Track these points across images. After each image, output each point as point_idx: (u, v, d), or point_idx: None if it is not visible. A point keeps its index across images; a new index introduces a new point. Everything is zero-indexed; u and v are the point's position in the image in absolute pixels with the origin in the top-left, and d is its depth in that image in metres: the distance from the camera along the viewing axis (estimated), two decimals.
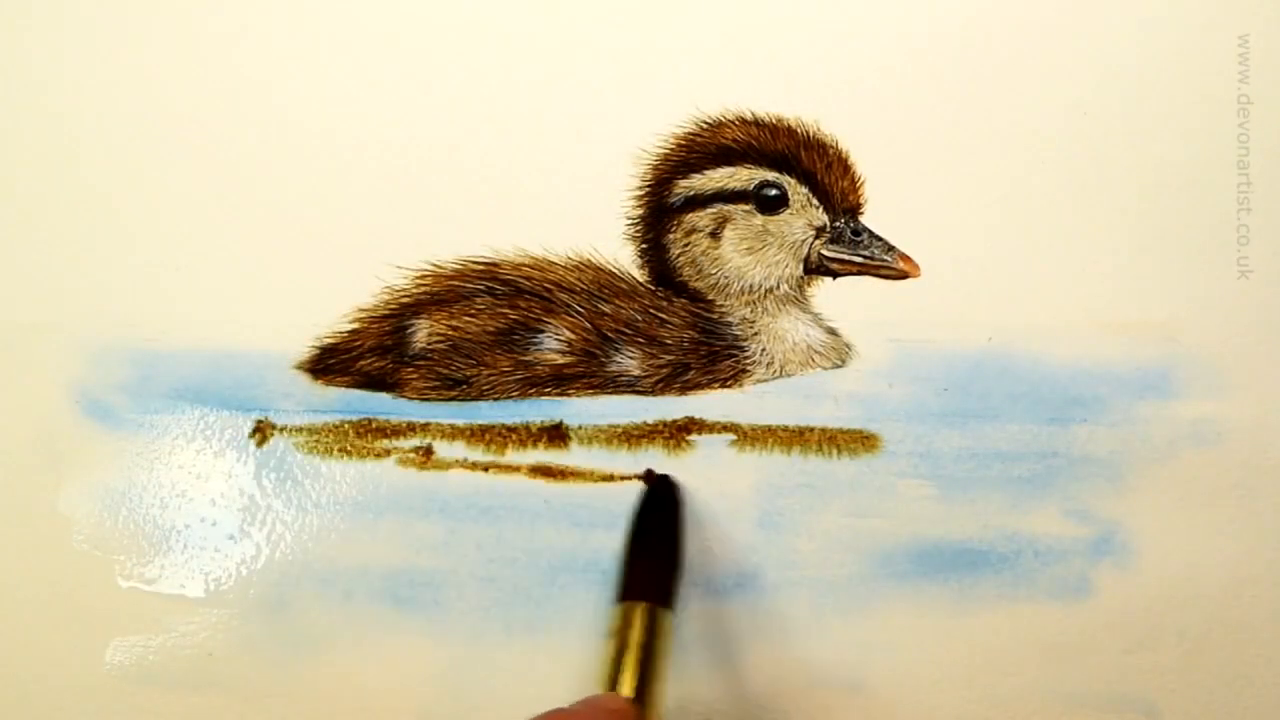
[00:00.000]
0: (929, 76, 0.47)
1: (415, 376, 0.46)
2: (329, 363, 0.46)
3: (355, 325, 0.46)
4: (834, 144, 0.47)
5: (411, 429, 0.46)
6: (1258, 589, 0.45)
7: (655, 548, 0.43)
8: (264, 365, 0.46)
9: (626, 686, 0.39)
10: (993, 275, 0.46)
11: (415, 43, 0.48)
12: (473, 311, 0.47)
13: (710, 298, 0.47)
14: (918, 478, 0.45)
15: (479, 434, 0.46)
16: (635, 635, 0.40)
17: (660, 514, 0.44)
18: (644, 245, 0.47)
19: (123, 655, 0.45)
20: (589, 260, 0.47)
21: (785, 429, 0.46)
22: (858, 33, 0.47)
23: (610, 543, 0.45)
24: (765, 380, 0.46)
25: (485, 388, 0.46)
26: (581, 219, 0.47)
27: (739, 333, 0.47)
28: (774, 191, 0.47)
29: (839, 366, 0.46)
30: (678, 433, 0.46)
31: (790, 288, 0.47)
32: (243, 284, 0.47)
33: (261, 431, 0.46)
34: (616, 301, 0.47)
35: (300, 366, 0.46)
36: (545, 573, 0.45)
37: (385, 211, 0.47)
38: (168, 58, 0.48)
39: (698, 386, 0.46)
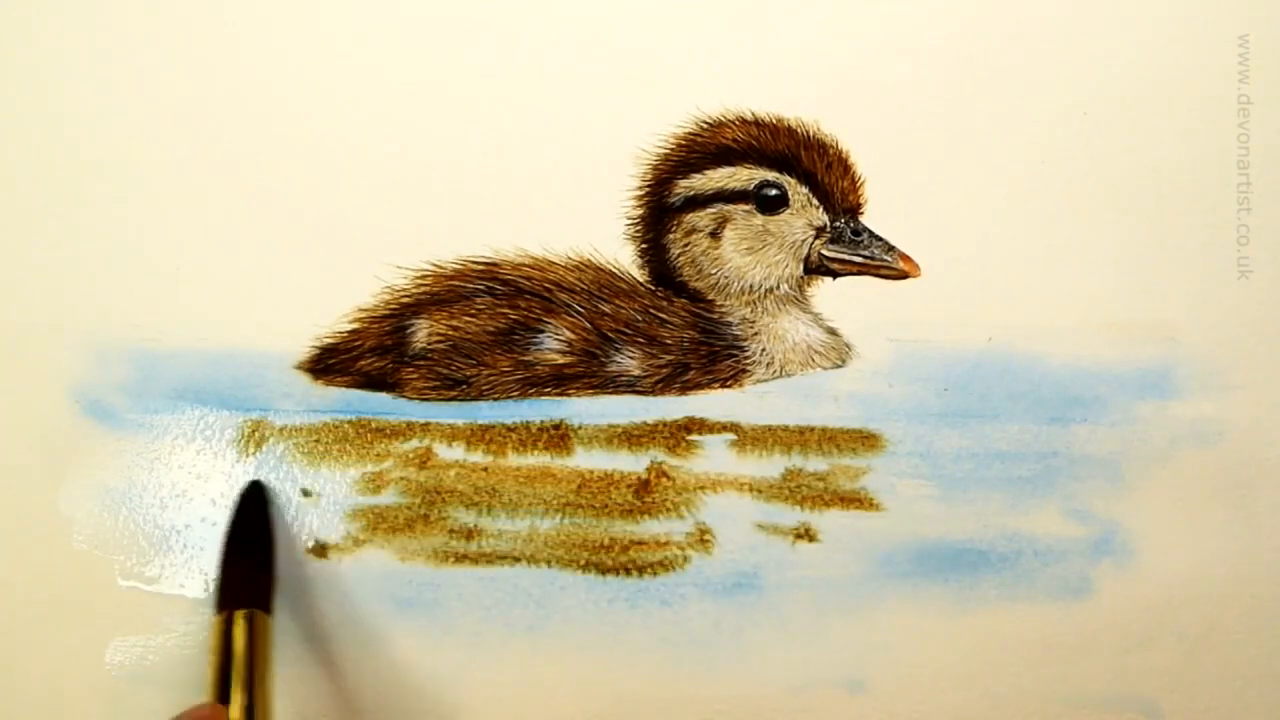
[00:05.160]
0: (929, 76, 0.47)
1: (415, 376, 0.46)
2: (329, 363, 0.46)
3: (355, 325, 0.46)
4: (834, 144, 0.47)
5: (411, 429, 0.46)
6: (1258, 589, 0.45)
7: (249, 553, 0.44)
8: (264, 365, 0.46)
9: (236, 699, 0.40)
10: (993, 275, 0.46)
11: (415, 43, 0.48)
12: (473, 311, 0.47)
13: (710, 298, 0.47)
14: (918, 478, 0.45)
15: (479, 434, 0.46)
16: (238, 644, 0.41)
17: (252, 518, 0.44)
18: (644, 245, 0.47)
19: (123, 655, 0.45)
20: (589, 260, 0.47)
21: (785, 429, 0.46)
22: (858, 33, 0.47)
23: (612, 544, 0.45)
24: (765, 380, 0.46)
25: (485, 388, 0.46)
26: (581, 219, 0.47)
27: (739, 333, 0.47)
28: (774, 191, 0.46)
29: (839, 366, 0.46)
30: (678, 432, 0.46)
31: (790, 288, 0.47)
32: (243, 284, 0.47)
33: (259, 433, 0.46)
34: (616, 301, 0.47)
35: (300, 366, 0.46)
36: (545, 573, 0.45)
37: (385, 211, 0.47)
38: (168, 58, 0.48)
39: (698, 386, 0.46)
